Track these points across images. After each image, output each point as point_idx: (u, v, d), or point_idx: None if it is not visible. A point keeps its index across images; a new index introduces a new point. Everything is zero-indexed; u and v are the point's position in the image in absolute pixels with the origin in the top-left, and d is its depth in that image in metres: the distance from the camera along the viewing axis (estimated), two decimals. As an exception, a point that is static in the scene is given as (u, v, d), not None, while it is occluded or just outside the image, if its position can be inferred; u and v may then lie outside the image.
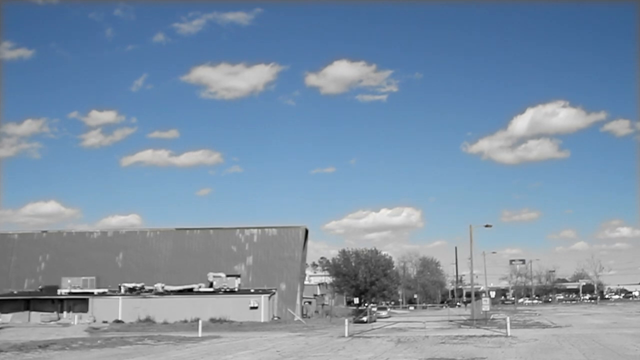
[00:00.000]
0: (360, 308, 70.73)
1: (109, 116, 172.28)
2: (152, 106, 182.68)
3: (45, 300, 60.71)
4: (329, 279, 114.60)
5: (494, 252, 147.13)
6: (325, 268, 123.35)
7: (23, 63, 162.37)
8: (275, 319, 59.44)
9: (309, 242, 74.26)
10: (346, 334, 36.24)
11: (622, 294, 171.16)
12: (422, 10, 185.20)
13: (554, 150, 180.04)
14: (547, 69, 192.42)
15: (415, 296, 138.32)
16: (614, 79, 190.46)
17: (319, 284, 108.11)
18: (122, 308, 57.84)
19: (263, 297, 58.22)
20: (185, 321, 53.87)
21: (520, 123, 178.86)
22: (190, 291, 60.52)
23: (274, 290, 61.89)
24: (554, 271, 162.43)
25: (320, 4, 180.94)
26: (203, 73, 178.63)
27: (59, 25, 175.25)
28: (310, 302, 78.41)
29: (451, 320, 53.01)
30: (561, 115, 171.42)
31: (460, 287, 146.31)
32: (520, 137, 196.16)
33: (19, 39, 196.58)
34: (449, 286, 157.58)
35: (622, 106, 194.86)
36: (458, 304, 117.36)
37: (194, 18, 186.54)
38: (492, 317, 53.10)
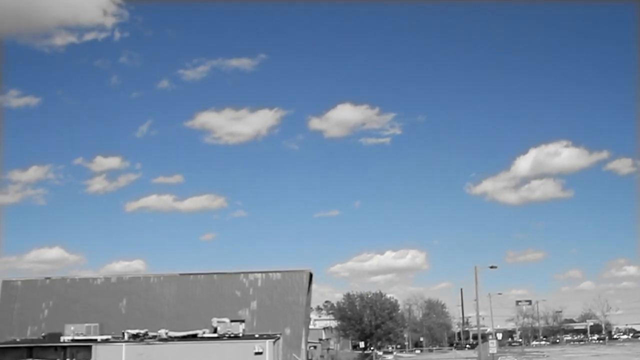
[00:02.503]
0: (365, 352, 70.06)
1: (113, 162, 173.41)
2: (156, 152, 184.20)
3: (48, 348, 60.11)
4: (334, 323, 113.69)
5: (499, 294, 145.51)
6: (330, 312, 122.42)
7: (29, 111, 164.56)
8: (280, 364, 58.83)
9: (314, 286, 73.90)
10: (352, 379, 35.86)
11: (631, 334, 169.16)
12: (424, 54, 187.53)
13: (557, 190, 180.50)
14: (549, 109, 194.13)
15: (422, 339, 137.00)
16: (615, 118, 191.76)
17: (324, 328, 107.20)
18: (125, 355, 57.22)
19: (268, 342, 57.68)
20: (190, 368, 53.26)
21: (523, 163, 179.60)
22: (194, 337, 60.00)
23: (278, 335, 61.37)
24: (560, 312, 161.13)
25: (323, 48, 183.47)
26: (207, 118, 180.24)
27: (65, 73, 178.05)
28: (315, 347, 77.80)
29: (458, 364, 52.39)
30: (564, 155, 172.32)
31: (466, 329, 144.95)
32: (524, 177, 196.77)
33: (25, 87, 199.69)
34: (455, 328, 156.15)
35: (623, 145, 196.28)
36: (467, 345, 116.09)
37: (198, 65, 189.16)
38: (499, 359, 52.57)
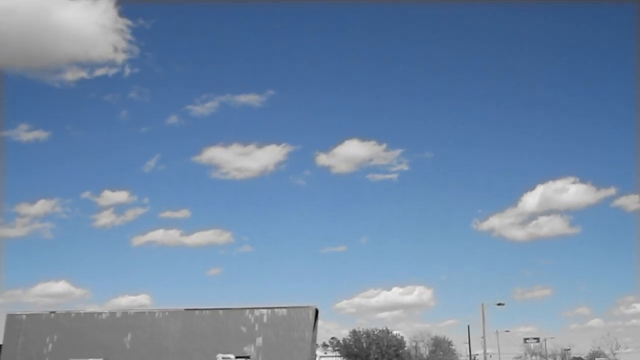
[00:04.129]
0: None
1: (121, 196, 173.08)
2: (164, 186, 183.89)
3: (51, 384, 59.77)
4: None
5: (507, 331, 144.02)
6: (336, 348, 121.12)
7: (39, 144, 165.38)
8: (285, 402, 58.15)
9: (320, 322, 73.33)
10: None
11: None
12: (431, 90, 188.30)
13: (564, 227, 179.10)
14: (555, 145, 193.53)
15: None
16: (622, 154, 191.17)
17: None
18: (129, 391, 56.76)
19: (273, 379, 57.15)
20: (194, 405, 52.75)
21: (531, 200, 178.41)
22: (198, 373, 59.50)
23: (284, 372, 60.79)
24: (569, 349, 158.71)
25: (330, 84, 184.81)
26: (215, 154, 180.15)
27: (74, 108, 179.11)
28: (320, 384, 76.97)
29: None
30: (571, 192, 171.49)
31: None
32: (531, 213, 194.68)
33: (35, 121, 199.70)
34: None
35: (631, 181, 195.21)
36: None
37: (207, 100, 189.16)
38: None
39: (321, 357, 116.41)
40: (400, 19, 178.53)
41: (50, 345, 67.52)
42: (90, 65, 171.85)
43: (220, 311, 69.53)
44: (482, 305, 58.99)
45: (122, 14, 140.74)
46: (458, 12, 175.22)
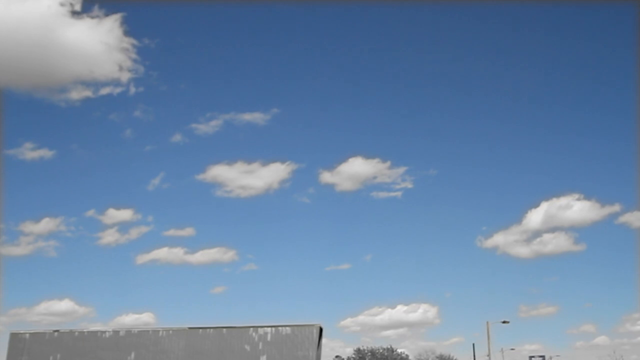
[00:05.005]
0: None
1: (125, 214, 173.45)
2: (168, 204, 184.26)
3: (54, 403, 59.41)
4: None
5: (512, 349, 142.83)
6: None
7: (44, 163, 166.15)
8: (290, 421, 57.70)
9: (324, 340, 72.84)
10: None
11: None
12: (435, 107, 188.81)
13: (569, 244, 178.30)
14: (559, 162, 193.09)
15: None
16: (625, 171, 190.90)
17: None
18: (132, 411, 56.36)
19: (277, 399, 56.73)
20: None
21: (535, 217, 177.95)
22: (202, 392, 59.12)
23: (288, 391, 60.38)
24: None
25: (335, 102, 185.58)
26: (219, 172, 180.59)
27: (79, 126, 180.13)
28: (325, 403, 76.33)
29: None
30: (575, 208, 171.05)
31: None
32: (535, 230, 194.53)
33: (40, 140, 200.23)
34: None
35: (635, 198, 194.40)
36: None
37: (211, 119, 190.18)
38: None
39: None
40: (402, 37, 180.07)
41: (53, 364, 67.25)
42: (95, 84, 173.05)
43: (224, 330, 69.23)
44: (487, 323, 58.72)
45: (127, 33, 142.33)
46: (460, 28, 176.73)
